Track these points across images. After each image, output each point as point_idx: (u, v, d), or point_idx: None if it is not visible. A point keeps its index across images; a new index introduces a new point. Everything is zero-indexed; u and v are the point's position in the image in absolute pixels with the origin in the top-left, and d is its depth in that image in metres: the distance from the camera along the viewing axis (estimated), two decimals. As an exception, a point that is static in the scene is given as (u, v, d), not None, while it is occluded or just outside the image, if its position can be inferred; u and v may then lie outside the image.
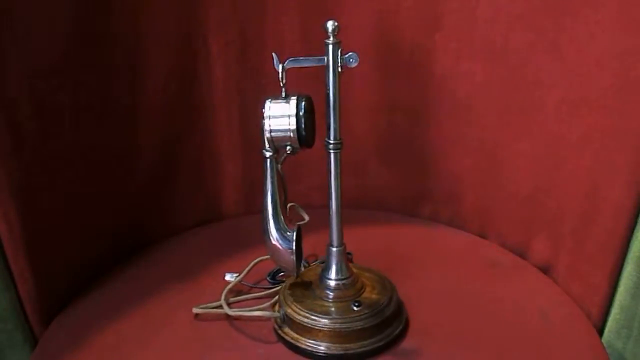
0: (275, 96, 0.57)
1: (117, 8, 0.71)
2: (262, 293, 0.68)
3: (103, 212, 0.75)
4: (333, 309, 0.61)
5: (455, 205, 0.84)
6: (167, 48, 0.77)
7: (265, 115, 0.57)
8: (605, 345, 0.65)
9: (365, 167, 0.87)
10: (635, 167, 0.62)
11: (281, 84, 0.57)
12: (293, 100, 0.57)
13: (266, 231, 0.59)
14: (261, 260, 0.71)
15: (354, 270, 0.64)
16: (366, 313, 0.60)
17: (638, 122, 0.61)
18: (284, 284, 0.66)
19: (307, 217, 0.70)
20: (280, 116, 0.57)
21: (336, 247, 0.62)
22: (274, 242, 0.59)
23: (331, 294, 0.62)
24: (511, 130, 0.75)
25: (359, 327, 0.59)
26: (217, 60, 0.80)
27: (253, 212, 0.89)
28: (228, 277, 0.69)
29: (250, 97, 0.83)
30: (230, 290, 0.67)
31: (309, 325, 0.59)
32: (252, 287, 0.70)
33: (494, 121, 0.76)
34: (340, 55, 0.56)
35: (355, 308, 0.60)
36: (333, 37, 0.56)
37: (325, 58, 0.56)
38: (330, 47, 0.56)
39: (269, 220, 0.59)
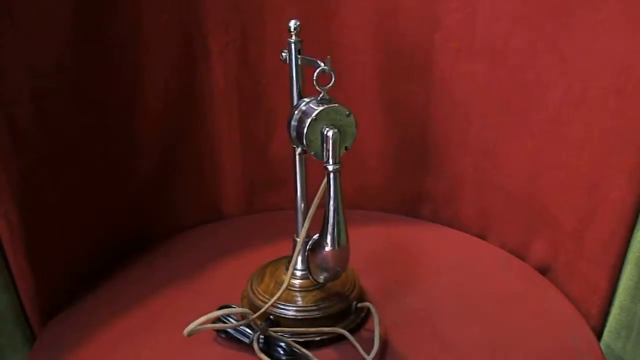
0: (326, 111, 0.56)
1: (117, 8, 0.71)
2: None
3: (103, 212, 0.75)
4: (299, 297, 0.63)
5: (455, 205, 0.84)
6: (167, 48, 0.77)
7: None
8: (604, 346, 0.65)
9: (365, 167, 0.87)
10: (635, 166, 0.62)
11: (328, 85, 0.57)
12: (335, 103, 0.57)
13: (328, 239, 0.56)
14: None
15: None
16: (330, 301, 0.62)
17: (638, 122, 0.61)
18: (250, 276, 0.67)
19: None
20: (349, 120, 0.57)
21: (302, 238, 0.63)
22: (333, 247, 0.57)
23: (297, 283, 0.64)
24: (511, 130, 0.75)
25: (323, 315, 0.61)
26: (217, 60, 0.80)
27: (253, 212, 0.89)
28: None
29: (250, 97, 0.83)
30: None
31: (276, 314, 0.61)
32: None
33: (494, 121, 0.76)
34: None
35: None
36: (295, 36, 0.59)
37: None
38: (293, 45, 0.59)
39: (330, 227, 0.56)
